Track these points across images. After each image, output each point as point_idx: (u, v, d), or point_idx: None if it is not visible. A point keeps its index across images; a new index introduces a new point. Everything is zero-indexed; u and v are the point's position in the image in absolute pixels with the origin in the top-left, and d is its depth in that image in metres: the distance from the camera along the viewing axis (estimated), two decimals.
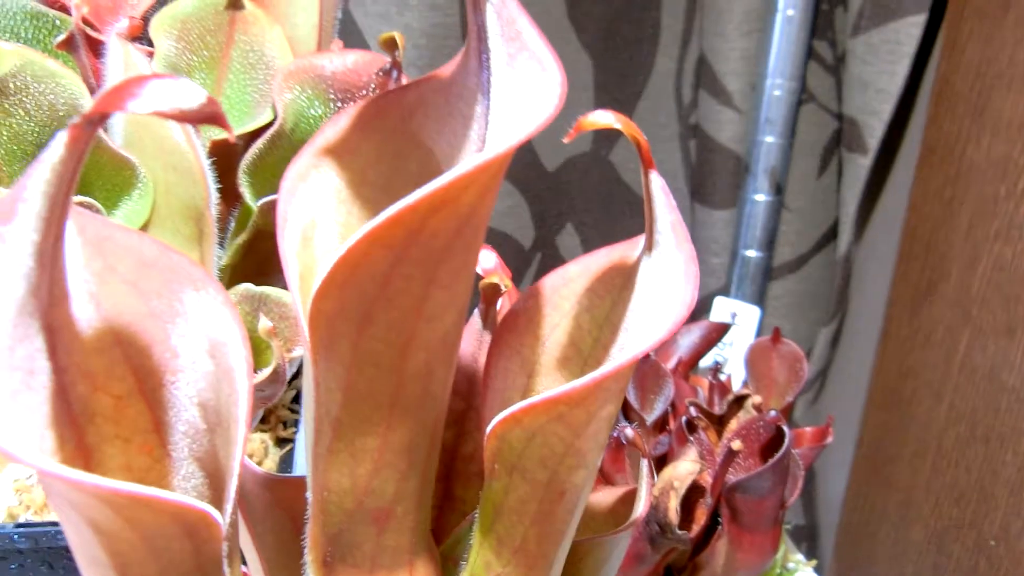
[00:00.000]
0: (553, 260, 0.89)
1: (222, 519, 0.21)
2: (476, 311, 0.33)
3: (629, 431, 0.35)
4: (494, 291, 0.32)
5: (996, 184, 0.63)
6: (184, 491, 0.25)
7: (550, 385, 0.29)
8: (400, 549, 0.27)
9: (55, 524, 0.43)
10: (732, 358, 0.73)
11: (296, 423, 0.54)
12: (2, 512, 0.45)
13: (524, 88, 0.24)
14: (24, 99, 0.34)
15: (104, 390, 0.23)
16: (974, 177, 0.65)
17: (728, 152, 0.81)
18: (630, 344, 0.26)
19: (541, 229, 0.88)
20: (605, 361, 0.28)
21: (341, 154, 0.27)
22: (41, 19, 0.40)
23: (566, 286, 0.29)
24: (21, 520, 0.45)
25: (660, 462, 0.49)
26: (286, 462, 0.51)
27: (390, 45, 0.40)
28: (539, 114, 0.22)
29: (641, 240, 0.27)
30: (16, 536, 0.42)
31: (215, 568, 0.22)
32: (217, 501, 0.25)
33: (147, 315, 0.23)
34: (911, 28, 0.69)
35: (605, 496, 0.36)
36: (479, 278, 0.32)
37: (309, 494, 0.26)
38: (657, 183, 0.24)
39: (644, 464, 0.33)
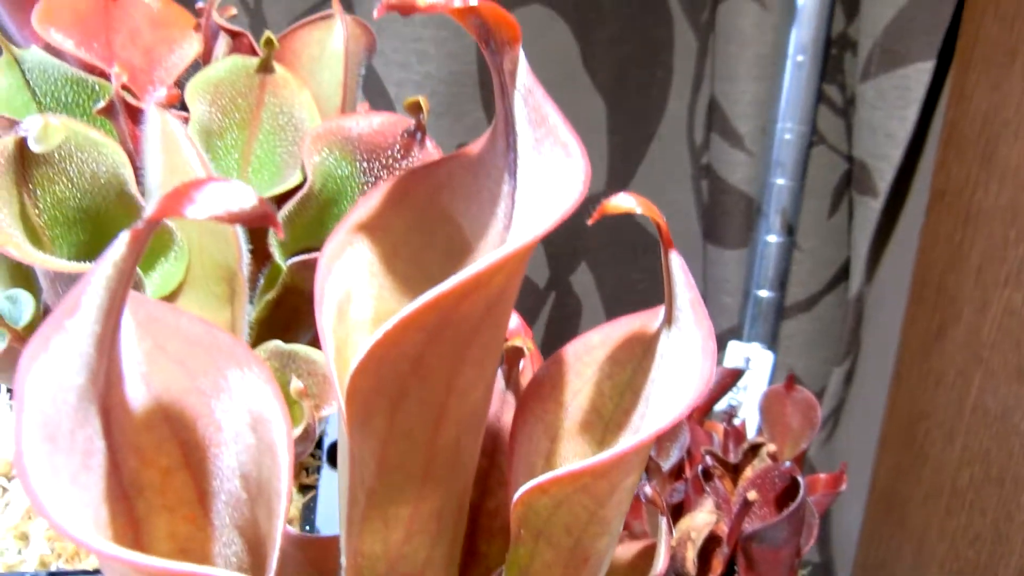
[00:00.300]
0: (567, 298, 0.91)
1: None
2: (499, 372, 0.34)
3: (648, 489, 0.35)
4: (516, 354, 0.33)
5: (1005, 229, 0.64)
6: (225, 557, 0.26)
7: (573, 449, 0.30)
8: None
9: (86, 572, 0.44)
10: (746, 401, 0.73)
11: (319, 469, 0.55)
12: (35, 560, 0.46)
13: (550, 172, 0.25)
14: (67, 167, 0.36)
15: (153, 464, 0.24)
16: (983, 222, 0.66)
17: (740, 193, 0.82)
18: (652, 415, 0.27)
19: (555, 268, 0.89)
20: (627, 426, 0.29)
21: (373, 230, 0.28)
22: (81, 84, 0.42)
23: (588, 354, 0.30)
24: (53, 568, 0.46)
25: (677, 509, 0.50)
26: (309, 508, 0.52)
27: (415, 108, 0.41)
28: (565, 201, 0.23)
29: (660, 311, 0.28)
30: None
31: None
32: (256, 567, 0.26)
33: (193, 391, 0.24)
34: (920, 74, 0.70)
35: (625, 550, 0.37)
36: None
37: (343, 558, 0.27)
38: (676, 262, 0.26)
39: (663, 522, 0.34)
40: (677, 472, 0.52)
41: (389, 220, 0.28)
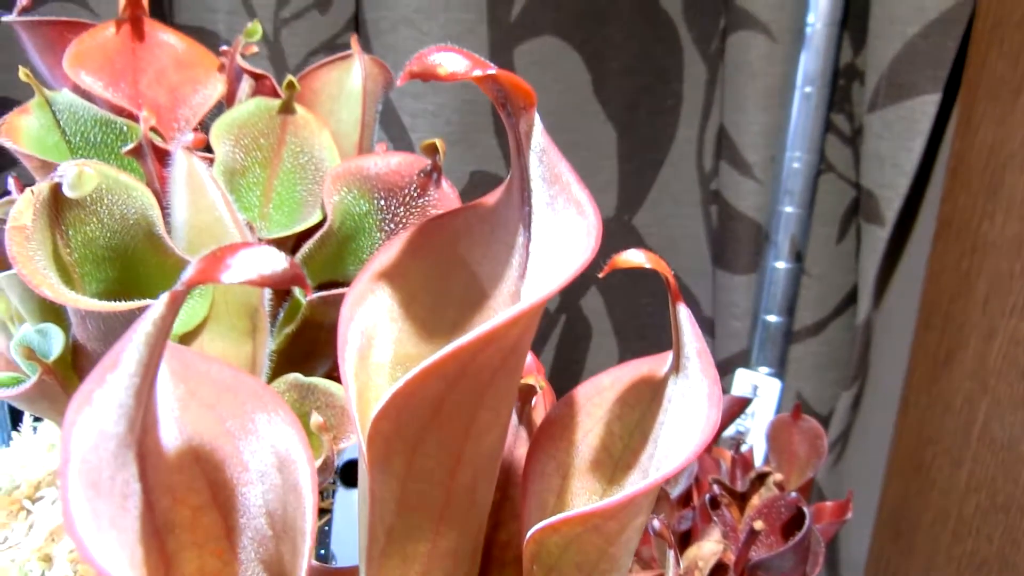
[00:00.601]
0: (577, 322, 0.92)
1: None
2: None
3: (656, 523, 0.37)
4: (529, 391, 0.35)
5: (1011, 261, 0.65)
6: None
7: (584, 486, 0.31)
8: None
9: None
10: (754, 428, 0.74)
11: (334, 493, 0.56)
12: None
13: (563, 228, 0.26)
14: (98, 209, 0.37)
15: (184, 503, 0.25)
16: (989, 252, 0.67)
17: (749, 220, 0.83)
18: (660, 458, 0.28)
19: (566, 292, 0.90)
20: (635, 465, 0.31)
21: (393, 277, 0.29)
22: (110, 126, 0.43)
23: (599, 395, 0.31)
24: None
25: (684, 537, 0.51)
26: (324, 532, 0.53)
27: (431, 150, 0.43)
28: (577, 258, 0.25)
29: (668, 356, 0.29)
30: None
31: None
32: None
33: (222, 434, 0.26)
34: (926, 106, 0.71)
35: None
36: None
37: None
38: (684, 313, 0.27)
39: (671, 555, 0.35)
40: (685, 499, 0.53)
41: (408, 268, 0.30)
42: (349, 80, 0.49)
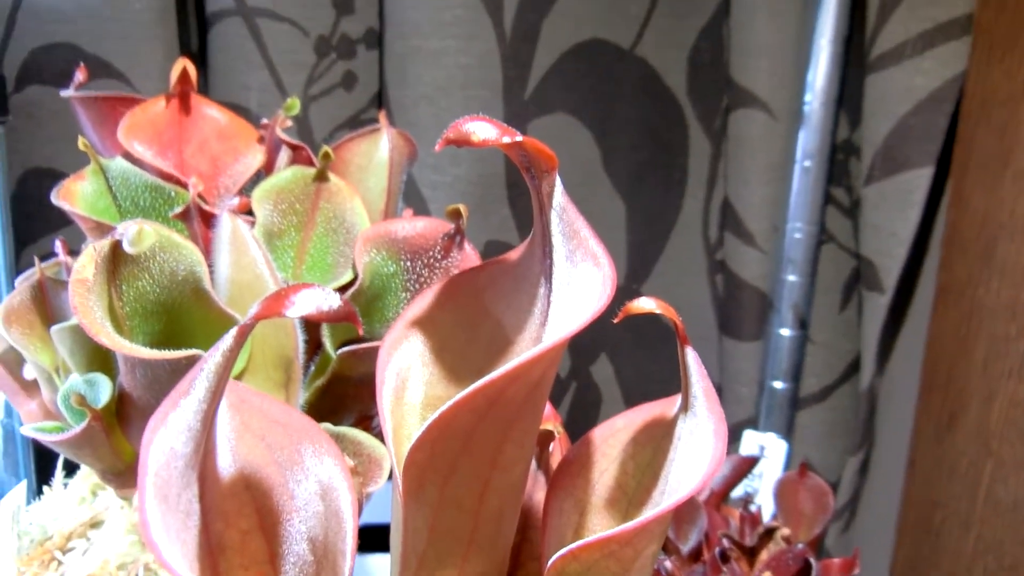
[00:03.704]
0: (588, 389, 0.94)
1: None
2: None
3: (668, 564, 0.38)
4: (547, 437, 0.37)
5: (1007, 325, 0.67)
6: None
7: (599, 522, 0.33)
8: None
9: None
10: (761, 488, 0.76)
11: None
12: None
13: (581, 279, 0.29)
14: (150, 265, 0.40)
15: (234, 526, 0.28)
16: (986, 317, 0.69)
17: (753, 289, 0.86)
18: (671, 490, 0.30)
19: (576, 359, 0.93)
20: (648, 502, 0.33)
21: (425, 325, 0.32)
22: (159, 191, 0.47)
23: (613, 436, 0.33)
24: None
25: None
26: None
27: (455, 214, 0.46)
28: (594, 304, 0.27)
29: (677, 398, 0.32)
30: None
31: None
32: None
33: (271, 463, 0.28)
34: (919, 179, 0.75)
35: None
36: None
37: None
38: (691, 356, 0.29)
39: None
40: (696, 555, 0.54)
41: (439, 317, 0.32)
42: (377, 151, 0.53)
